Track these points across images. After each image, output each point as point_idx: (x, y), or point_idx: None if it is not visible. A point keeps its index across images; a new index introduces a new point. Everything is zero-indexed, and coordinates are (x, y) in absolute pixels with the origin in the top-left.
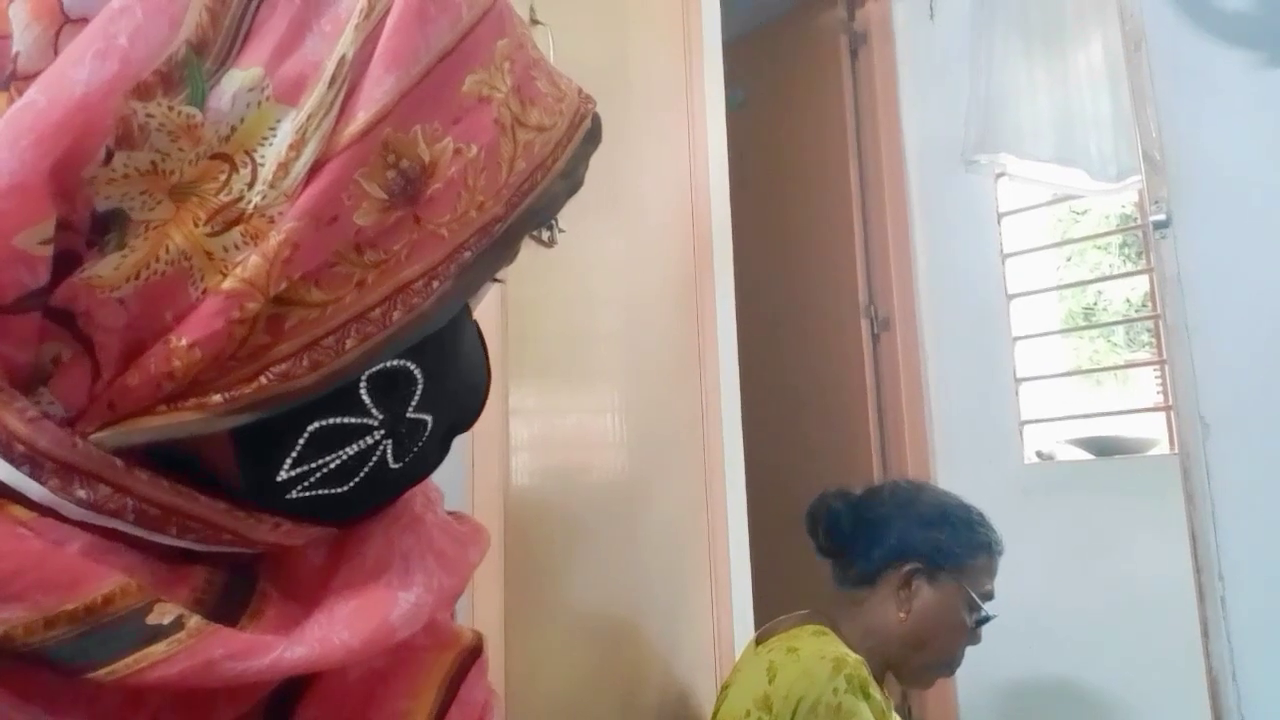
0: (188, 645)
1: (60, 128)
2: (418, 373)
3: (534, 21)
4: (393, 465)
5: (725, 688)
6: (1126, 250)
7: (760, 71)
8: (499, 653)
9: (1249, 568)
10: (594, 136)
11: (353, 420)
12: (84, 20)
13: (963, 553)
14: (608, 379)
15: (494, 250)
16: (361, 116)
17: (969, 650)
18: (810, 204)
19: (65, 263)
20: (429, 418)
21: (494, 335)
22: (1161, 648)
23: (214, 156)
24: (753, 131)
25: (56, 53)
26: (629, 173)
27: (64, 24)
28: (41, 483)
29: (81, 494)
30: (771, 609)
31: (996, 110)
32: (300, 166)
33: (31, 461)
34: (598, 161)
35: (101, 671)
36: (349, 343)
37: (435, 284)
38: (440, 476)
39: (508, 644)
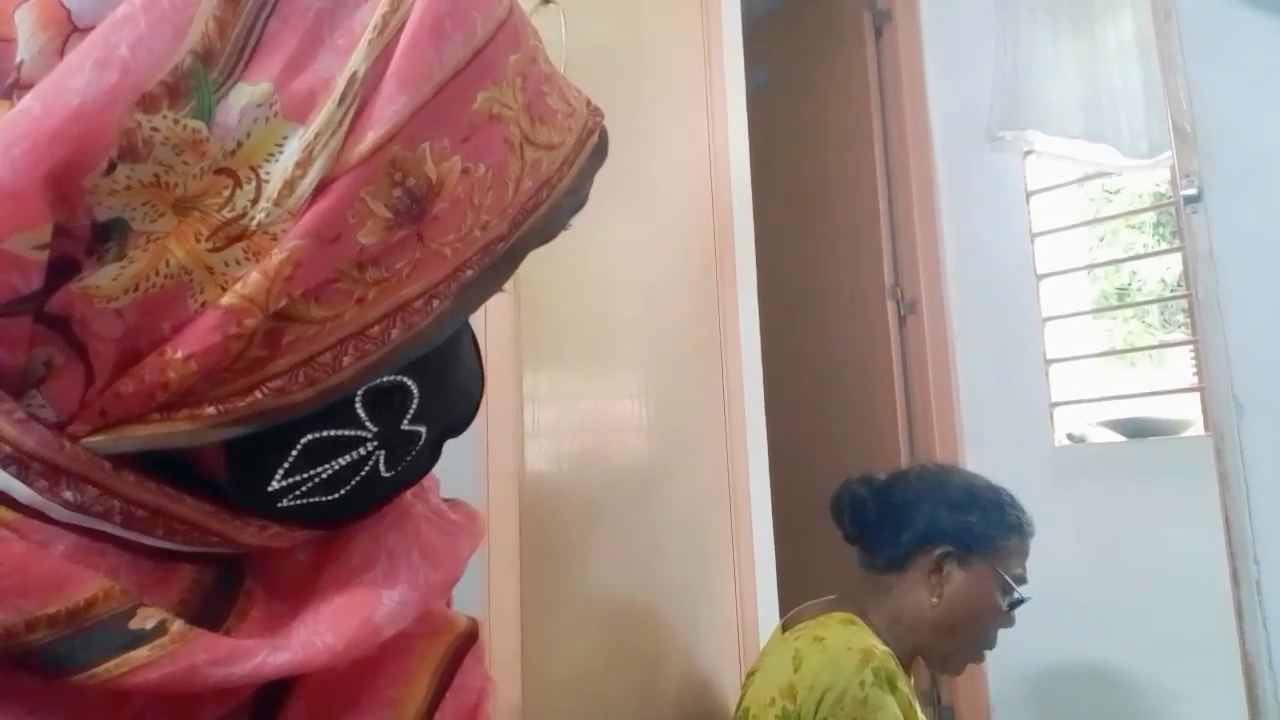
0: (170, 651)
1: (55, 136)
2: (414, 387)
3: (545, 1)
4: (385, 474)
5: (751, 674)
6: (1161, 230)
7: (783, 51)
8: (515, 639)
9: None
10: (601, 152)
11: (347, 433)
12: (92, 30)
13: (994, 535)
14: (627, 364)
15: (496, 268)
16: (371, 136)
17: (999, 633)
18: (834, 185)
19: (63, 268)
20: (423, 429)
21: (506, 321)
22: (1195, 633)
23: (218, 171)
24: (775, 111)
25: None
26: (647, 156)
27: (71, 33)
28: (28, 484)
29: (68, 496)
30: (795, 595)
31: (1023, 86)
32: (306, 185)
33: (18, 463)
34: (615, 145)
35: (82, 675)
36: (346, 360)
37: (435, 303)
38: (454, 463)
39: (524, 630)
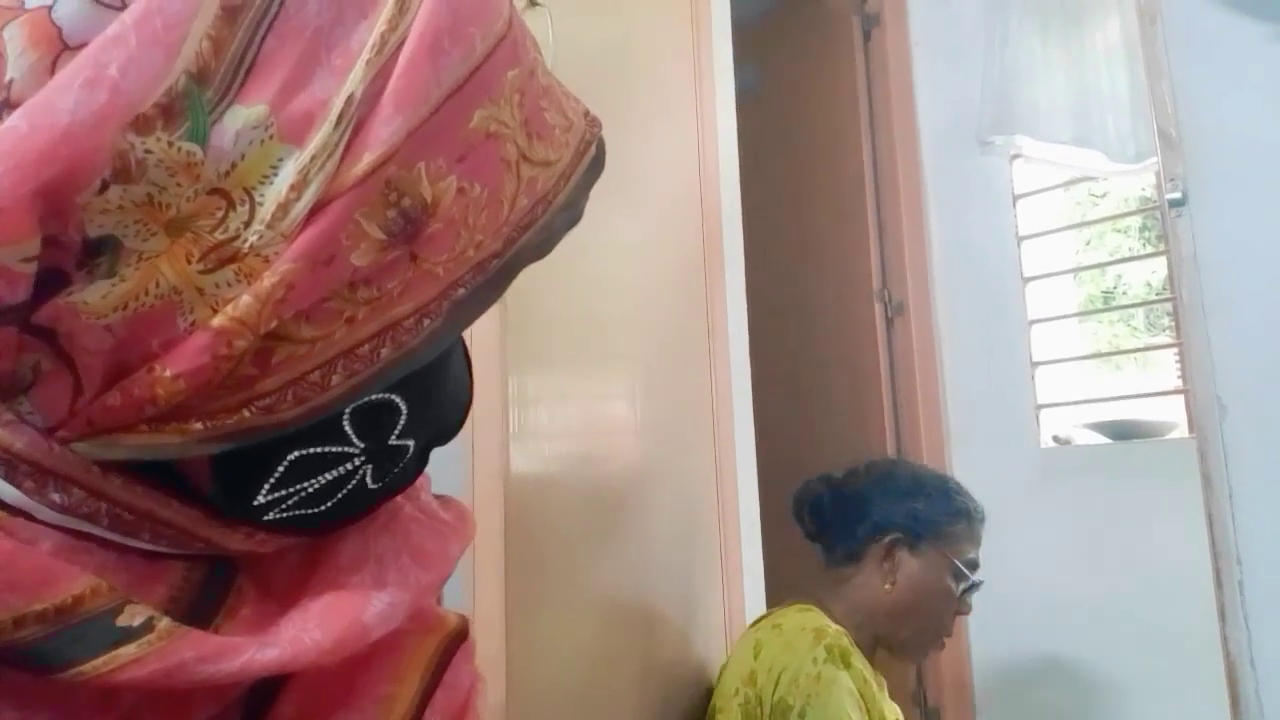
0: (157, 648)
1: (43, 157)
2: (402, 404)
3: (532, 2)
4: (371, 486)
5: (720, 672)
6: (1146, 234)
7: (772, 53)
8: (500, 640)
9: (1267, 552)
10: (597, 165)
11: (334, 449)
12: (83, 48)
13: (941, 520)
14: (614, 364)
15: (489, 286)
16: (367, 158)
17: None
18: (823, 187)
19: (52, 279)
20: (410, 442)
21: (491, 322)
22: (1178, 632)
23: (212, 192)
24: (764, 114)
25: None
26: (636, 155)
27: (62, 51)
28: (15, 485)
29: (55, 497)
30: (783, 594)
31: (1012, 91)
32: (300, 208)
33: (6, 464)
34: (605, 143)
35: (70, 672)
36: (335, 379)
37: (426, 321)
38: (439, 464)
39: (509, 632)
